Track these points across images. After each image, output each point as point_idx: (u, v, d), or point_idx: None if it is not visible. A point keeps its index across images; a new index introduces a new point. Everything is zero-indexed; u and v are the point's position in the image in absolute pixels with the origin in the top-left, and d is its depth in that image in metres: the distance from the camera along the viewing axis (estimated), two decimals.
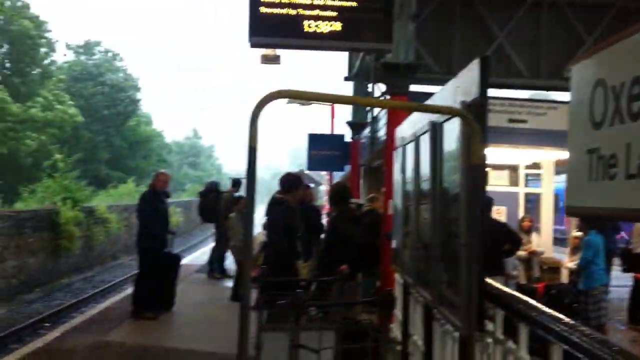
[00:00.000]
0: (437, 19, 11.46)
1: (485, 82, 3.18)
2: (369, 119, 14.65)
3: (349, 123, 16.34)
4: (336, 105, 19.76)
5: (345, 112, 17.80)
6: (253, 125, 2.47)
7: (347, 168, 17.58)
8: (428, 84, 11.47)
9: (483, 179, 3.14)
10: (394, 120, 7.58)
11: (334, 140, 17.05)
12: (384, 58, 8.05)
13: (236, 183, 12.99)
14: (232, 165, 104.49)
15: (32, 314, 13.15)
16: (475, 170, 3.12)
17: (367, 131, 14.33)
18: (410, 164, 5.28)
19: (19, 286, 15.39)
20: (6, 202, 21.21)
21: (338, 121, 20.67)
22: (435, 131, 4.04)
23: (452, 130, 3.63)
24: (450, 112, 3.14)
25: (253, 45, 4.79)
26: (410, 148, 5.27)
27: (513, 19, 11.85)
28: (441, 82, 11.93)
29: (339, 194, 6.30)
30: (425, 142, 4.50)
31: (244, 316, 2.54)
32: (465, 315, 3.27)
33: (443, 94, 4.18)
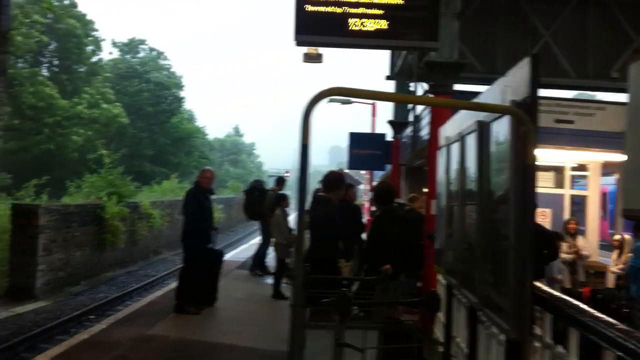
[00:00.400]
0: (481, 17, 11.33)
1: (536, 81, 3.13)
2: (411, 118, 14.56)
3: (390, 122, 16.25)
4: (377, 104, 19.69)
5: (386, 111, 17.72)
6: (305, 123, 2.46)
7: (388, 167, 17.50)
8: (470, 84, 11.34)
9: (534, 180, 3.08)
10: (438, 120, 7.51)
11: (375, 139, 16.98)
12: (428, 57, 8.00)
13: (280, 181, 13.08)
14: (272, 162, 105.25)
15: (77, 306, 13.46)
16: (526, 171, 3.07)
17: (408, 130, 14.23)
18: (455, 164, 5.23)
19: (66, 279, 15.77)
20: (53, 196, 21.77)
21: (378, 120, 20.65)
22: (483, 131, 3.99)
23: (501, 130, 3.59)
24: (507, 111, 3.07)
25: (298, 43, 4.80)
26: (455, 148, 5.22)
27: (559, 18, 11.62)
28: (484, 81, 11.84)
29: (384, 193, 6.27)
30: (471, 141, 4.46)
31: (295, 315, 2.54)
32: (513, 318, 3.23)
33: (490, 93, 4.12)
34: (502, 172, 3.55)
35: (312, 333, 4.55)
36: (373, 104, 19.62)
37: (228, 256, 16.85)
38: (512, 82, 3.55)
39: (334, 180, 6.92)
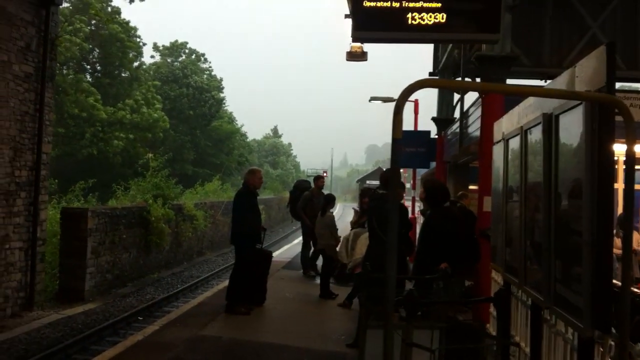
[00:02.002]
0: (527, 10, 11.09)
1: (612, 70, 3.00)
2: (457, 114, 14.39)
3: (434, 119, 16.09)
4: (420, 101, 19.48)
5: (429, 109, 17.53)
6: (397, 117, 2.40)
7: (432, 165, 17.31)
8: (517, 78, 11.12)
9: (612, 174, 2.96)
10: (491, 114, 7.38)
11: (419, 136, 16.76)
12: (479, 51, 7.86)
13: (318, 180, 13.09)
14: (309, 162, 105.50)
15: (126, 308, 13.65)
16: (604, 165, 2.95)
17: (454, 127, 14.05)
18: (514, 159, 5.10)
19: (113, 280, 16.01)
20: (99, 199, 22.18)
21: (421, 118, 20.42)
22: (550, 123, 3.86)
23: (571, 123, 3.47)
24: (609, 101, 2.92)
25: (356, 39, 4.75)
26: (514, 142, 5.09)
27: (607, 8, 11.30)
28: (531, 75, 11.56)
29: (437, 191, 6.17)
30: (535, 135, 4.33)
31: (387, 316, 2.46)
32: (588, 316, 3.11)
33: (557, 85, 3.99)
34: (573, 165, 3.42)
35: (371, 333, 4.50)
36: (415, 101, 19.41)
37: (273, 256, 16.93)
38: (584, 73, 3.43)
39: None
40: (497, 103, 7.66)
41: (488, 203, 7.10)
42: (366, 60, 11.37)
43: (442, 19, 4.53)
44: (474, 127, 10.48)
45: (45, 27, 12.68)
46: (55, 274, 14.65)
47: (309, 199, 12.41)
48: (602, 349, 3.72)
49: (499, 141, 5.83)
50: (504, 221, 5.46)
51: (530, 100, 4.66)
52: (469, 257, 5.96)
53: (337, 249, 10.30)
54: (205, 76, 47.22)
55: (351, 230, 10.66)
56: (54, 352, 9.70)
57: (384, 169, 25.53)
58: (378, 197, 7.06)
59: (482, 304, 6.98)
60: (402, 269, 6.81)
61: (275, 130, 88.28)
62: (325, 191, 13.12)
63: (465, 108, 12.76)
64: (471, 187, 13.92)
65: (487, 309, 7.10)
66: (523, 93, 3.61)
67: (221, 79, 49.80)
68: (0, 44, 11.35)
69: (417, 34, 4.48)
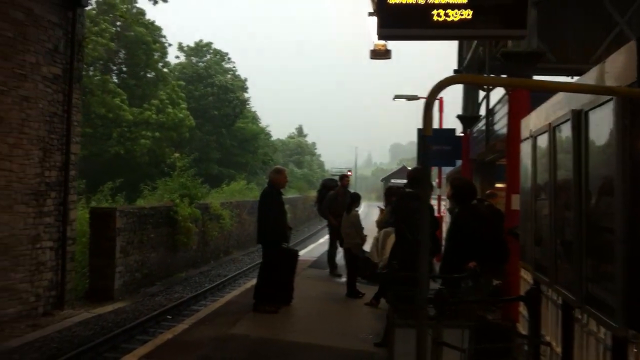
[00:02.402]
0: (552, 5, 10.93)
1: None
2: (482, 111, 14.27)
3: (459, 116, 15.97)
4: (445, 99, 19.34)
5: (453, 106, 17.40)
6: (427, 114, 2.39)
7: (458, 163, 17.17)
8: (541, 74, 10.97)
9: None
10: (518, 111, 7.31)
11: (445, 134, 16.59)
12: (504, 47, 7.80)
13: (343, 179, 13.10)
14: (333, 162, 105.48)
15: (155, 307, 13.79)
16: (635, 161, 2.91)
17: (480, 125, 13.94)
18: (543, 156, 5.05)
19: (142, 279, 16.20)
20: (127, 199, 22.46)
21: (446, 115, 20.28)
22: (580, 120, 3.83)
23: (602, 119, 3.43)
24: None
25: (381, 37, 4.73)
26: (542, 139, 5.05)
27: (635, 3, 11.09)
28: (556, 72, 11.39)
29: (465, 190, 6.14)
30: (564, 132, 4.29)
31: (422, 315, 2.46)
32: (622, 315, 3.08)
33: (586, 81, 3.94)
34: (604, 162, 3.39)
35: (398, 332, 4.50)
36: (440, 99, 19.27)
37: (299, 255, 16.98)
38: (613, 69, 3.39)
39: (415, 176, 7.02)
40: (523, 100, 7.59)
41: (516, 201, 7.04)
42: (390, 58, 11.34)
43: (468, 15, 4.50)
44: (501, 125, 10.39)
45: (72, 29, 12.86)
46: (85, 273, 14.86)
47: (334, 198, 12.43)
48: (636, 349, 3.66)
49: (527, 138, 5.79)
50: (533, 219, 5.42)
51: (559, 96, 4.62)
52: (497, 257, 5.91)
53: (368, 249, 10.28)
54: (229, 76, 47.48)
55: (378, 229, 10.63)
56: (85, 350, 9.85)
57: (409, 168, 25.43)
58: (405, 196, 7.06)
59: (511, 303, 6.92)
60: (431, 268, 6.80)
61: (300, 130, 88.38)
62: (350, 190, 13.11)
63: (491, 105, 12.65)
64: (497, 185, 13.81)
65: (516, 308, 7.04)
66: (557, 89, 3.56)
67: (245, 79, 50.11)
68: (29, 46, 11.54)
69: (443, 31, 4.45)
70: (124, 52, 35.88)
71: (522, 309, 7.29)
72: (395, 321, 4.47)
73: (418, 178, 7.38)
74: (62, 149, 12.63)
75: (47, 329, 11.15)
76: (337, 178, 14.03)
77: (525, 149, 5.86)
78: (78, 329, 11.43)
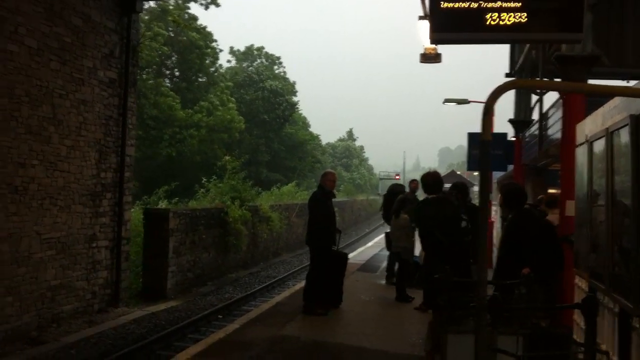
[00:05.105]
0: (607, 8, 10.68)
1: None
2: (535, 116, 14.04)
3: (511, 121, 15.75)
4: (497, 103, 19.07)
5: (504, 110, 17.12)
6: (486, 117, 2.41)
7: (509, 168, 16.92)
8: (597, 78, 10.74)
9: None
10: (573, 116, 7.19)
11: (496, 139, 16.39)
12: (559, 51, 7.68)
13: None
14: (381, 166, 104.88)
15: (206, 306, 14.04)
16: None
17: (533, 129, 13.71)
18: (599, 162, 4.97)
19: (194, 279, 16.51)
20: (180, 200, 22.90)
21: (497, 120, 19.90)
22: (638, 125, 3.77)
23: None
24: None
25: (434, 41, 4.72)
26: (599, 144, 4.97)
27: None
28: (612, 75, 11.14)
29: (515, 195, 6.06)
30: (622, 137, 4.22)
31: (480, 318, 2.48)
32: None
33: None
34: None
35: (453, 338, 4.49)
36: None
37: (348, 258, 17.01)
38: None
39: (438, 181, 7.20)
40: (579, 104, 7.46)
41: (571, 207, 6.93)
42: (440, 62, 11.25)
43: (523, 18, 4.45)
44: (554, 129, 10.22)
45: (127, 34, 13.24)
46: (139, 272, 15.25)
47: (402, 201, 12.23)
48: None
49: (582, 143, 5.70)
50: (589, 226, 5.33)
51: (616, 101, 4.54)
52: (552, 264, 5.81)
53: (418, 252, 10.22)
54: (278, 80, 47.88)
55: None
56: (139, 347, 10.10)
57: (458, 172, 25.17)
58: (430, 202, 7.07)
59: (565, 311, 6.80)
60: (466, 274, 6.74)
61: (350, 133, 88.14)
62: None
63: (544, 109, 12.44)
64: (550, 190, 13.56)
65: (570, 316, 6.91)
66: (620, 94, 3.50)
67: (294, 82, 50.42)
68: (86, 51, 11.93)
69: (496, 35, 4.41)
70: (176, 56, 36.61)
71: (576, 317, 7.16)
72: (446, 327, 4.46)
73: (436, 183, 7.45)
74: (117, 151, 13.00)
75: (102, 325, 11.49)
76: (382, 182, 13.85)
77: (581, 154, 5.77)
78: (132, 326, 11.73)
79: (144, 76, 32.36)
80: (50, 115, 10.90)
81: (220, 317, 12.90)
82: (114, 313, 12.54)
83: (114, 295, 13.00)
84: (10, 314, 10.04)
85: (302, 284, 10.50)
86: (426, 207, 7.61)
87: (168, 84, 36.14)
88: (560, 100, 8.89)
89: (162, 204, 18.42)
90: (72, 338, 10.47)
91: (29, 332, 10.38)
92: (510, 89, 2.55)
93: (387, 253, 13.02)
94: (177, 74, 37.79)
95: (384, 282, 12.56)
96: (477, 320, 2.55)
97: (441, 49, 12.08)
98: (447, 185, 9.87)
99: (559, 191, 8.48)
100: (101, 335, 10.89)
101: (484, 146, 2.48)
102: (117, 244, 13.05)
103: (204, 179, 21.73)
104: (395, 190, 12.97)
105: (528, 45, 12.56)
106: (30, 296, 10.49)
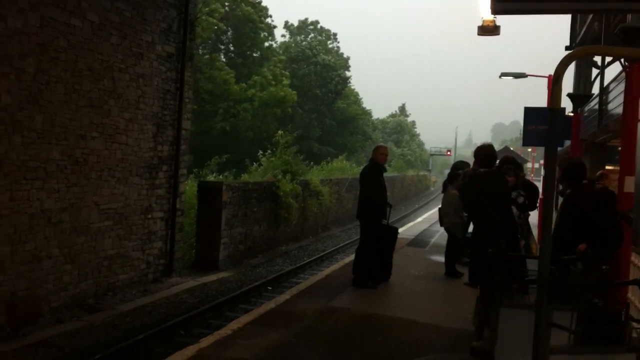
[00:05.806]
0: None
1: None
2: (595, 90, 13.59)
3: (570, 95, 15.31)
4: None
5: (564, 85, 16.58)
6: (556, 86, 2.35)
7: (566, 143, 16.45)
8: None
9: None
10: (636, 90, 6.95)
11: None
12: (624, 22, 7.40)
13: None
14: (432, 141, 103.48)
15: (256, 278, 14.32)
16: None
17: (592, 104, 13.28)
18: None
19: (245, 252, 16.79)
20: (234, 174, 23.23)
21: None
22: None
23: None
24: None
25: (495, 12, 4.57)
26: None
27: None
28: None
29: (573, 169, 5.91)
30: None
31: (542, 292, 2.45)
32: None
33: None
34: None
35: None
36: (549, 76, 18.51)
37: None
38: None
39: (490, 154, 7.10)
40: None
41: (630, 183, 6.74)
42: (499, 34, 10.99)
43: None
44: (615, 104, 9.87)
45: (185, 9, 13.37)
46: (192, 243, 15.58)
47: (451, 177, 12.00)
48: None
49: None
50: None
51: None
52: (610, 240, 5.65)
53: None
54: (331, 55, 47.67)
55: None
56: (192, 316, 10.39)
57: (512, 148, 24.61)
58: (482, 177, 6.88)
59: (620, 289, 6.64)
60: (515, 249, 6.61)
61: (402, 108, 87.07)
62: (446, 170, 12.70)
63: (605, 83, 12.02)
64: (608, 167, 13.17)
65: (624, 294, 6.77)
66: None
67: (348, 57, 50.12)
68: (146, 26, 12.11)
69: (560, 5, 4.23)
70: (231, 31, 36.81)
71: (631, 295, 7.00)
72: (499, 301, 4.43)
73: (488, 156, 7.22)
74: (173, 125, 13.23)
75: (156, 295, 11.84)
76: (433, 158, 13.62)
77: None
78: (185, 296, 12.06)
79: (201, 52, 32.72)
80: (110, 89, 11.16)
81: (270, 288, 13.13)
82: (167, 283, 12.89)
83: (168, 265, 13.34)
84: (69, 282, 10.43)
85: (352, 257, 10.56)
86: (474, 181, 7.23)
87: (223, 60, 36.44)
88: (623, 74, 8.57)
89: (212, 177, 18.69)
90: (128, 306, 10.81)
91: (86, 300, 10.78)
92: (583, 56, 2.48)
93: (437, 229, 12.86)
94: (232, 49, 38.03)
95: (433, 257, 12.48)
96: (538, 295, 2.51)
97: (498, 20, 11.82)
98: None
99: (617, 167, 8.25)
100: (155, 304, 11.23)
101: (553, 115, 2.43)
102: (171, 216, 13.35)
103: (260, 152, 21.95)
104: (458, 168, 12.74)
105: (591, 16, 12.12)
106: (88, 265, 10.87)
